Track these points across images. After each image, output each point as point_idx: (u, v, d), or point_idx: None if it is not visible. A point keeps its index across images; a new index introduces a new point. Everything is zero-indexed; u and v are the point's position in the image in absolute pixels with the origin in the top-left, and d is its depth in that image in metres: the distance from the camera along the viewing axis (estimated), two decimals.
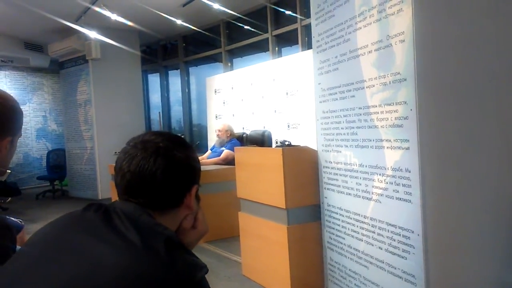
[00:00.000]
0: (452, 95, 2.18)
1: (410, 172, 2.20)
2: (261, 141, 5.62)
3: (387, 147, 2.37)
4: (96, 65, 8.59)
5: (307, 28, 6.70)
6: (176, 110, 10.56)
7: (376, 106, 2.45)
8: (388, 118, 2.35)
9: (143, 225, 0.97)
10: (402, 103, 2.23)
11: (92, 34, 7.94)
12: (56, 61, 9.49)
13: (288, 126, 5.77)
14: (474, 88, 2.21)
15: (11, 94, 1.39)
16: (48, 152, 10.08)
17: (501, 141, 2.25)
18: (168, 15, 7.30)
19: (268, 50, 7.50)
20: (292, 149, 3.26)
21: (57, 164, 9.78)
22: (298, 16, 6.77)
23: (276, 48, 7.45)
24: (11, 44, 9.40)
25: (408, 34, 2.16)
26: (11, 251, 1.24)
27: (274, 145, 5.66)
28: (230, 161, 5.64)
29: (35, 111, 10.46)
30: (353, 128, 2.69)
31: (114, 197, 6.91)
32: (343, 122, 2.80)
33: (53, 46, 8.90)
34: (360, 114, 2.60)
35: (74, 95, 9.15)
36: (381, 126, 2.42)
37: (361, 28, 2.54)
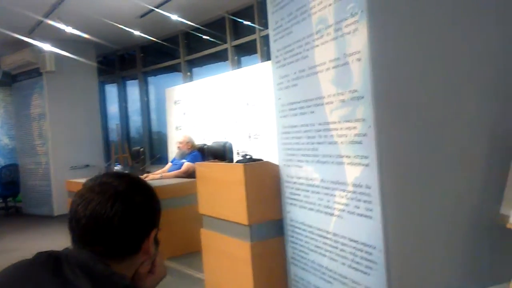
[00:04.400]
0: (410, 111, 2.22)
1: (370, 188, 2.23)
2: (222, 152, 5.58)
3: (347, 163, 2.39)
4: (50, 77, 8.33)
5: (266, 39, 6.74)
6: (135, 121, 10.39)
7: (336, 123, 2.47)
8: (347, 135, 2.37)
9: (98, 275, 0.92)
10: (361, 120, 2.25)
11: (46, 46, 7.69)
12: (8, 73, 9.14)
13: (249, 137, 5.76)
14: (432, 104, 2.26)
15: None
16: (0, 168, 9.67)
17: (459, 155, 2.30)
18: (125, 26, 7.18)
19: (227, 59, 7.49)
20: (253, 165, 3.24)
21: (10, 180, 9.38)
22: (257, 26, 6.80)
23: (236, 58, 7.45)
24: None
25: (364, 53, 2.18)
26: None
27: (235, 156, 5.64)
28: (191, 174, 5.57)
29: None
30: (314, 143, 2.70)
31: None
32: (304, 137, 2.80)
33: (6, 59, 8.57)
34: (320, 130, 2.61)
35: (27, 108, 8.84)
36: (340, 142, 2.44)
37: (318, 45, 2.56)
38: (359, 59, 2.22)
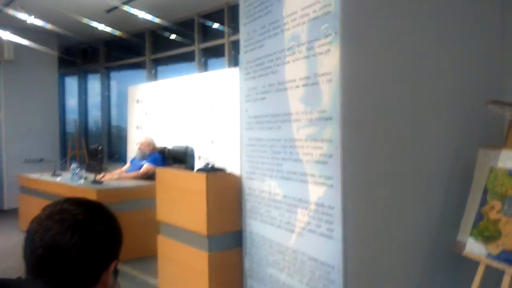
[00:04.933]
0: (377, 135, 2.26)
1: (333, 208, 2.24)
2: (183, 156, 5.52)
3: (311, 182, 2.40)
4: (8, 67, 8.01)
5: (235, 44, 6.71)
6: (94, 115, 10.12)
7: (302, 140, 2.47)
8: (313, 154, 2.38)
9: None
10: (327, 140, 2.27)
11: (5, 34, 7.37)
12: None
13: (212, 142, 5.71)
14: (397, 129, 2.30)
15: None
16: None
17: (421, 182, 2.36)
18: (90, 20, 6.97)
19: (194, 60, 7.41)
20: (216, 175, 3.20)
21: None
22: (226, 31, 6.76)
23: (202, 60, 7.38)
24: None
25: (335, 75, 2.20)
26: None
27: (196, 161, 5.58)
28: (150, 176, 5.47)
29: None
30: (279, 159, 2.70)
31: (23, 209, 6.48)
32: (269, 151, 2.80)
33: None
34: (286, 146, 2.62)
35: None
36: (306, 161, 2.44)
37: (289, 62, 2.56)
38: (329, 80, 2.24)
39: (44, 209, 1.01)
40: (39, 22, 6.68)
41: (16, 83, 8.15)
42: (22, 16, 6.35)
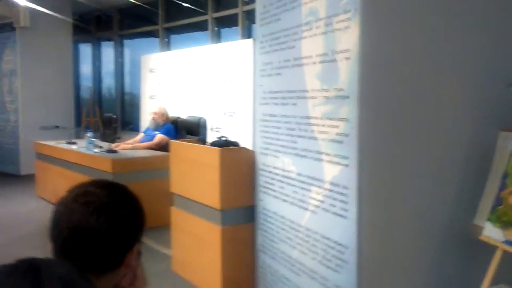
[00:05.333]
0: (395, 116, 2.21)
1: (348, 189, 2.22)
2: (196, 127, 5.50)
3: (326, 161, 2.38)
4: (24, 33, 8.00)
5: (248, 13, 6.59)
6: (108, 83, 10.14)
7: (318, 118, 2.43)
8: (328, 132, 2.35)
9: None
10: (344, 119, 2.23)
11: (21, 1, 7.33)
12: None
13: (224, 114, 5.69)
14: (416, 109, 2.25)
15: None
16: None
17: (437, 163, 2.32)
18: None
19: (207, 29, 7.32)
20: (229, 150, 3.20)
21: None
22: (240, 0, 6.62)
23: (216, 29, 7.28)
24: None
25: (353, 53, 2.14)
26: None
27: (209, 132, 5.57)
28: (163, 146, 5.50)
29: None
30: (293, 136, 2.67)
31: (39, 175, 6.58)
32: (283, 128, 2.77)
33: None
34: (301, 124, 2.58)
35: None
36: (321, 139, 2.41)
37: (306, 37, 2.50)
38: (348, 58, 2.18)
39: (69, 191, 1.01)
40: None
41: (32, 49, 8.14)
42: None
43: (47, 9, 7.53)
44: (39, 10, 7.47)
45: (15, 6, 7.53)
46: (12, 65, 8.28)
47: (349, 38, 2.17)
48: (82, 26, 9.56)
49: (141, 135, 6.17)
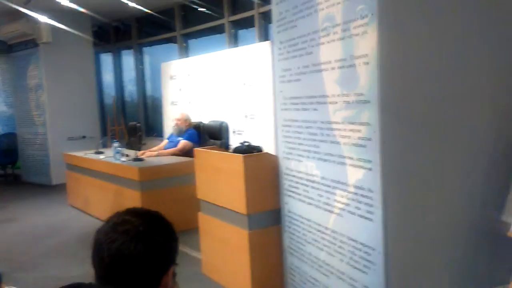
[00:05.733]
0: (416, 118, 2.23)
1: (372, 192, 2.25)
2: (219, 131, 5.60)
3: (350, 165, 2.41)
4: (47, 49, 8.22)
5: (265, 15, 6.63)
6: (130, 90, 10.32)
7: (339, 123, 2.47)
8: (350, 136, 2.38)
9: None
10: (366, 124, 2.26)
11: (42, 18, 7.53)
12: (4, 43, 9.01)
13: (245, 117, 5.74)
14: (438, 110, 2.26)
15: None
16: None
17: (462, 162, 2.32)
18: None
19: (224, 32, 7.39)
20: (253, 156, 3.25)
21: (8, 148, 9.42)
22: (255, 2, 6.66)
23: (233, 31, 7.34)
24: None
25: (372, 57, 2.17)
26: None
27: (231, 136, 5.65)
28: (187, 152, 5.59)
29: None
30: (315, 140, 2.71)
31: (69, 185, 6.76)
32: (305, 133, 2.81)
33: (1, 28, 8.43)
34: (323, 128, 2.62)
35: (24, 79, 8.78)
36: (343, 143, 2.45)
37: (324, 43, 2.54)
38: (366, 63, 2.21)
39: (107, 221, 1.11)
40: (73, 5, 6.77)
41: (56, 64, 8.35)
42: None
43: (67, 25, 7.71)
44: (60, 26, 7.65)
45: (37, 23, 7.74)
46: (37, 80, 8.51)
47: (367, 43, 2.20)
48: (101, 37, 9.74)
49: (165, 142, 6.28)
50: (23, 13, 7.44)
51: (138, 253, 1.03)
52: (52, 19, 7.55)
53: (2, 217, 6.30)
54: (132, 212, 1.12)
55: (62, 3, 6.68)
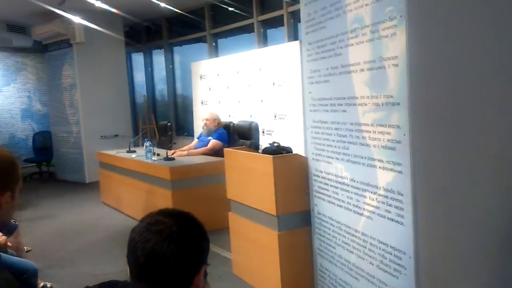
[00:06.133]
0: (446, 120, 2.19)
1: (402, 195, 2.23)
2: (248, 131, 5.62)
3: (379, 167, 2.39)
4: (80, 49, 8.45)
5: (294, 14, 6.61)
6: (160, 89, 10.49)
7: (368, 125, 2.45)
8: (380, 139, 2.36)
9: None
10: (395, 126, 2.23)
11: (76, 18, 7.75)
12: (40, 42, 9.30)
13: (275, 117, 5.76)
14: (468, 112, 2.22)
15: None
16: (34, 135, 10.06)
17: (494, 164, 2.27)
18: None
19: (253, 31, 7.41)
20: (282, 157, 3.26)
21: (43, 147, 9.76)
22: (284, 1, 6.65)
23: (262, 30, 7.35)
24: None
25: (401, 59, 2.14)
26: None
27: (261, 136, 5.67)
28: (217, 151, 5.65)
29: (19, 91, 10.30)
30: (345, 142, 2.69)
31: (102, 183, 6.92)
32: (334, 134, 2.80)
33: (36, 29, 8.72)
34: (352, 130, 2.60)
35: (59, 78, 9.03)
36: (373, 146, 2.43)
37: (353, 44, 2.52)
38: (396, 65, 2.18)
39: (141, 220, 1.15)
40: (105, 6, 6.94)
41: (89, 63, 8.57)
42: (90, 0, 6.62)
43: (99, 25, 7.89)
44: (93, 26, 7.84)
45: (71, 23, 7.96)
46: (71, 79, 8.75)
47: (396, 45, 2.17)
48: (133, 37, 9.92)
49: (195, 141, 6.36)
50: (58, 14, 7.67)
51: (171, 253, 1.07)
52: (85, 20, 7.74)
53: (38, 214, 6.51)
54: (165, 213, 1.16)
55: (96, 5, 6.84)
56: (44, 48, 9.29)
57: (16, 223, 3.66)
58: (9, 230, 3.22)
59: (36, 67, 10.44)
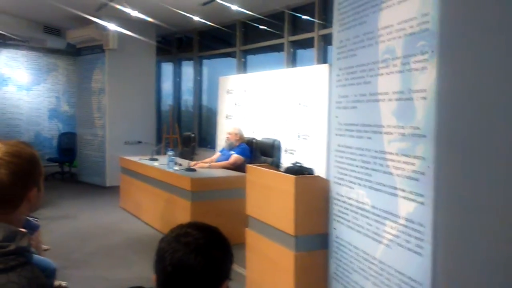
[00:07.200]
0: (471, 155, 2.20)
1: (423, 226, 2.24)
2: (271, 149, 5.67)
3: (401, 196, 2.41)
4: (112, 55, 8.68)
5: (325, 37, 6.69)
6: (186, 99, 10.65)
7: (393, 154, 2.48)
8: (404, 169, 2.38)
9: None
10: (420, 158, 2.26)
11: (111, 25, 7.99)
12: (73, 46, 9.58)
13: (298, 136, 5.80)
14: (494, 151, 2.22)
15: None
16: (59, 135, 10.29)
17: None
18: (186, 13, 7.32)
19: (282, 50, 7.51)
20: (304, 178, 3.30)
21: (67, 147, 9.98)
22: (316, 21, 6.73)
23: (291, 50, 7.44)
24: (30, 26, 9.43)
25: (430, 93, 2.17)
26: None
27: (283, 154, 5.71)
28: (238, 166, 5.71)
29: (48, 91, 10.56)
30: (368, 169, 2.72)
31: (123, 188, 7.03)
32: (358, 160, 2.83)
33: (71, 32, 9.01)
34: (376, 158, 2.64)
35: (89, 82, 9.27)
36: (396, 175, 2.45)
37: (383, 74, 2.56)
38: (424, 98, 2.22)
39: (171, 231, 1.20)
40: (141, 16, 7.15)
41: (119, 70, 8.79)
42: (127, 10, 6.84)
43: (134, 32, 8.10)
44: (126, 34, 8.04)
45: (105, 30, 8.20)
46: (101, 84, 8.97)
47: (426, 78, 2.21)
48: (164, 47, 10.14)
49: (217, 154, 6.43)
50: (93, 20, 7.90)
51: (198, 265, 1.11)
52: (120, 27, 7.96)
53: (58, 213, 6.62)
54: (194, 226, 1.21)
55: (132, 15, 7.05)
56: (77, 51, 9.57)
57: (38, 223, 3.76)
58: (31, 229, 3.31)
59: (67, 69, 10.72)
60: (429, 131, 2.19)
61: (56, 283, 3.67)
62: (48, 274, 2.96)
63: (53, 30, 9.77)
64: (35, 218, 3.93)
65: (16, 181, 1.30)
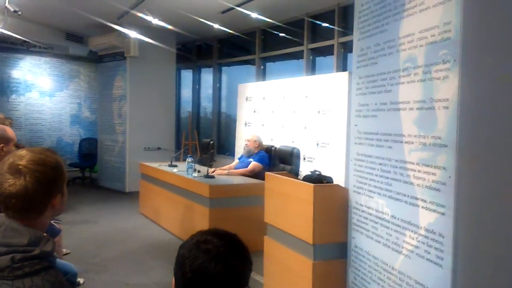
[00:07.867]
0: (493, 167, 2.17)
1: (443, 237, 2.21)
2: (289, 157, 5.66)
3: (422, 207, 2.38)
4: (133, 62, 8.80)
5: (344, 45, 6.67)
6: (205, 106, 10.72)
7: (414, 164, 2.45)
8: (425, 179, 2.36)
9: None
10: (441, 168, 2.23)
11: (132, 33, 8.11)
12: (95, 53, 9.75)
13: (317, 144, 5.78)
14: None
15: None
16: (81, 140, 10.44)
17: None
18: (206, 20, 7.40)
19: (302, 58, 7.51)
20: (323, 187, 3.29)
21: (88, 153, 10.12)
22: (336, 28, 6.72)
23: (311, 57, 7.44)
24: (53, 33, 9.62)
25: (452, 103, 2.15)
26: None
27: (301, 162, 5.69)
28: (257, 173, 5.71)
29: (71, 97, 10.71)
30: (388, 178, 2.70)
31: (142, 194, 7.09)
32: (378, 169, 2.81)
33: (93, 39, 9.15)
34: (396, 167, 2.61)
35: (110, 89, 9.40)
36: (417, 185, 2.43)
37: (404, 83, 2.55)
38: (446, 107, 2.20)
39: (191, 237, 1.21)
40: (162, 23, 7.25)
41: (140, 77, 8.91)
42: (148, 17, 6.94)
43: (154, 40, 8.20)
44: (147, 41, 8.15)
45: (127, 37, 8.33)
46: (122, 91, 9.09)
47: (447, 87, 2.19)
48: (184, 54, 10.24)
49: (236, 162, 6.44)
50: (114, 27, 8.03)
51: (218, 273, 1.11)
52: (141, 35, 8.08)
53: (78, 218, 6.71)
54: (214, 233, 1.21)
55: (153, 23, 7.15)
56: (99, 58, 9.73)
57: (60, 228, 3.83)
58: (53, 234, 3.37)
59: (89, 76, 10.89)
60: (451, 141, 2.16)
61: None
62: (70, 278, 3.02)
63: (75, 38, 9.96)
64: (57, 220, 4.00)
65: (40, 189, 1.32)
